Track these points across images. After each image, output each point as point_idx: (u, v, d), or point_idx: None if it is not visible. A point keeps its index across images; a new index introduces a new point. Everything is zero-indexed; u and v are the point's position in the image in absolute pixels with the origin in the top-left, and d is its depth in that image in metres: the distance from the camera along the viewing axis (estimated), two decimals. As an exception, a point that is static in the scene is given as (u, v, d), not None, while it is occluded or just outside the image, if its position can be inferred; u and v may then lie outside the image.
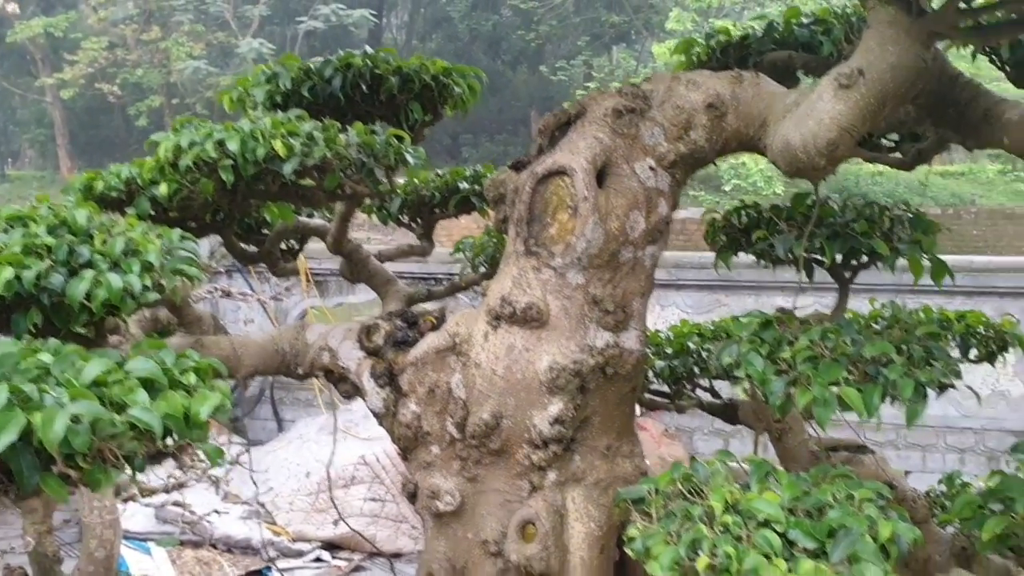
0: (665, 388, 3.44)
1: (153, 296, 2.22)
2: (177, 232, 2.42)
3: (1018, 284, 7.01)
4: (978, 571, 2.52)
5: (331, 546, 6.72)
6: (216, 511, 6.66)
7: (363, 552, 6.63)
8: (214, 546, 6.56)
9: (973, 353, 3.00)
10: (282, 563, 6.43)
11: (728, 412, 3.32)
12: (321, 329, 2.89)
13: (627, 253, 2.50)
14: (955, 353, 2.95)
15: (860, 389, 2.18)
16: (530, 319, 2.48)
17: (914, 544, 2.64)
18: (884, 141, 3.15)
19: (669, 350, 3.31)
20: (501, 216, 2.60)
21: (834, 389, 2.17)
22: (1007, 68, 2.72)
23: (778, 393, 2.20)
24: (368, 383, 2.72)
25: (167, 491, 6.52)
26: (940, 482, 3.17)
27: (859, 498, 2.10)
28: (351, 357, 2.79)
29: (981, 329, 2.99)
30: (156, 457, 1.89)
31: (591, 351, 2.48)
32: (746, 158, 20.92)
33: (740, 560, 1.89)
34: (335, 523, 6.80)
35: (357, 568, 6.49)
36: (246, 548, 6.57)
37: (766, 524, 1.99)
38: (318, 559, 6.57)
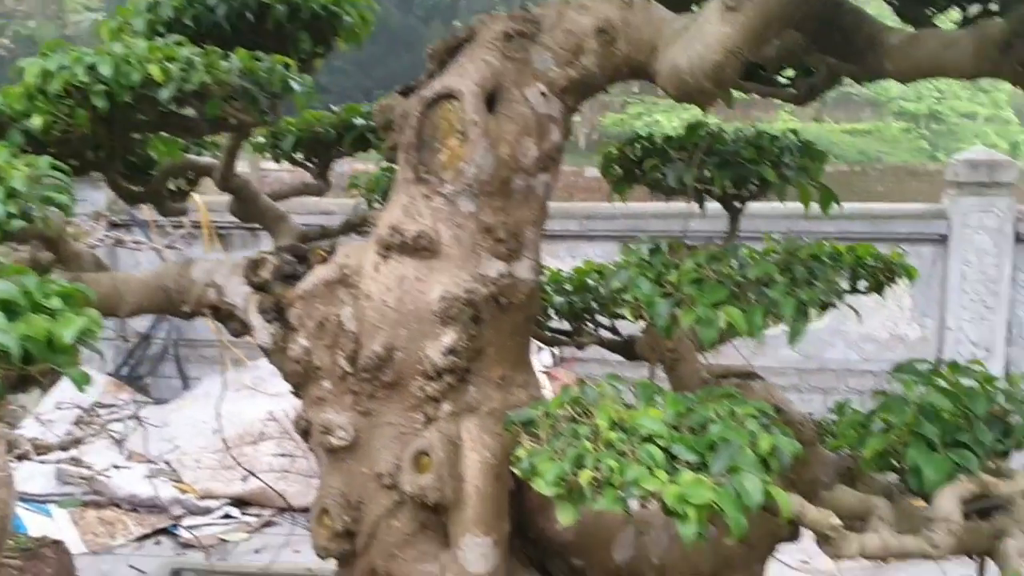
0: (566, 326, 3.45)
1: (19, 224, 2.13)
2: (46, 159, 2.31)
3: (916, 229, 7.23)
4: (862, 489, 2.59)
5: (240, 502, 6.61)
6: (115, 466, 6.49)
7: (273, 508, 6.53)
8: (118, 506, 6.38)
9: (862, 284, 3.07)
10: (189, 520, 6.30)
11: (627, 348, 3.35)
12: (207, 265, 2.81)
13: (519, 181, 2.48)
14: (845, 284, 3.02)
15: (743, 309, 2.20)
16: (421, 248, 2.44)
17: (795, 458, 2.72)
18: (779, 77, 3.18)
19: (569, 287, 3.31)
20: (390, 143, 2.55)
21: (718, 310, 2.19)
22: (894, 1, 2.76)
23: (663, 315, 2.21)
24: (255, 319, 2.66)
25: (64, 448, 6.34)
26: (831, 410, 3.25)
27: (742, 414, 2.14)
28: (238, 293, 2.71)
29: (870, 261, 3.05)
30: (22, 384, 1.81)
31: (484, 280, 2.46)
32: (659, 115, 21.10)
33: (622, 472, 1.91)
34: (244, 479, 6.69)
35: (267, 523, 6.40)
36: (152, 507, 6.41)
37: (649, 439, 2.01)
38: (227, 516, 6.44)
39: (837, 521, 2.06)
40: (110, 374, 8.05)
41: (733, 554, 2.78)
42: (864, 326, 7.11)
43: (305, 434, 2.72)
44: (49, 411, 7.00)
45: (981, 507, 2.59)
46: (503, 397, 2.57)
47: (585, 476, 1.92)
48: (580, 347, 3.44)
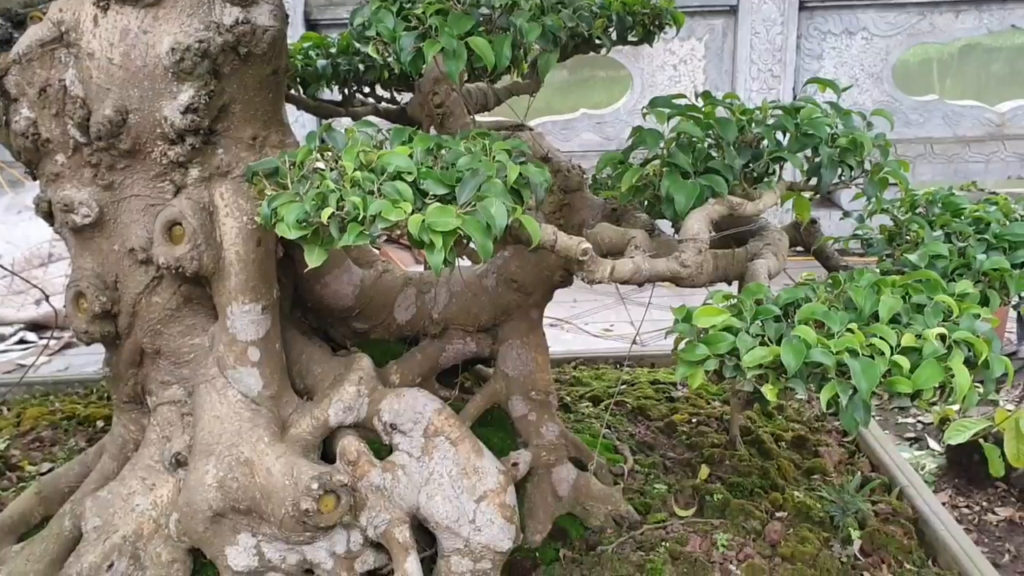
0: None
1: None
2: None
3: (706, 1, 7.27)
4: (625, 227, 2.65)
5: (36, 327, 6.28)
6: None
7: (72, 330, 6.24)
8: None
9: (632, 35, 3.05)
10: (-20, 349, 5.96)
11: (402, 115, 3.24)
12: (-96, 35, 2.46)
13: (246, -86, 2.24)
14: (615, 36, 2.99)
15: (490, 40, 2.12)
16: (141, -6, 2.20)
17: (562, 203, 2.76)
18: None
19: (333, 50, 3.13)
20: None
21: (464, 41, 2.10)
22: None
23: (407, 48, 2.10)
24: (-33, 91, 2.37)
25: None
26: (605, 164, 3.29)
27: (495, 150, 2.10)
28: (-55, 64, 2.40)
29: (638, 7, 3.01)
30: None
31: (218, 28, 2.25)
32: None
33: (365, 208, 1.85)
34: (37, 303, 6.35)
35: (67, 345, 6.12)
36: (-66, 339, 6.01)
37: (397, 176, 1.95)
38: (22, 340, 6.13)
39: (587, 246, 2.09)
40: None
41: (510, 303, 2.84)
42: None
43: (48, 216, 2.52)
44: None
45: (740, 237, 2.72)
46: (257, 159, 2.42)
47: (326, 213, 1.85)
48: (354, 117, 3.30)
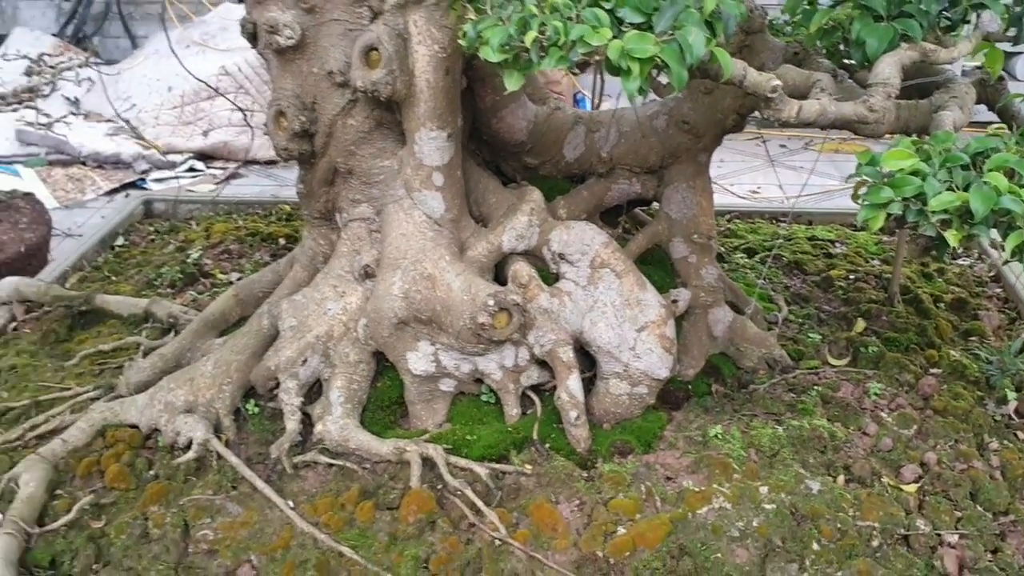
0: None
1: None
2: None
3: None
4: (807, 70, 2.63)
5: (204, 156, 6.66)
6: (72, 113, 6.43)
7: (237, 160, 6.60)
8: (84, 163, 6.42)
9: None
10: (155, 174, 6.37)
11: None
12: None
13: None
14: None
15: None
16: None
17: (743, 44, 2.74)
18: None
19: None
20: None
21: None
22: None
23: None
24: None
25: (18, 99, 6.27)
26: (783, 10, 3.21)
27: (690, -19, 2.11)
28: None
29: None
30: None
31: None
32: None
33: (567, 33, 1.91)
34: (204, 134, 6.70)
35: (233, 176, 6.49)
36: (117, 163, 6.44)
37: (595, 3, 2.00)
38: (192, 169, 6.52)
39: (777, 83, 2.10)
40: (54, 35, 7.75)
41: (679, 145, 2.88)
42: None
43: (252, 37, 2.67)
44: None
45: (923, 89, 2.66)
46: (451, -11, 2.50)
47: (530, 36, 1.92)
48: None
